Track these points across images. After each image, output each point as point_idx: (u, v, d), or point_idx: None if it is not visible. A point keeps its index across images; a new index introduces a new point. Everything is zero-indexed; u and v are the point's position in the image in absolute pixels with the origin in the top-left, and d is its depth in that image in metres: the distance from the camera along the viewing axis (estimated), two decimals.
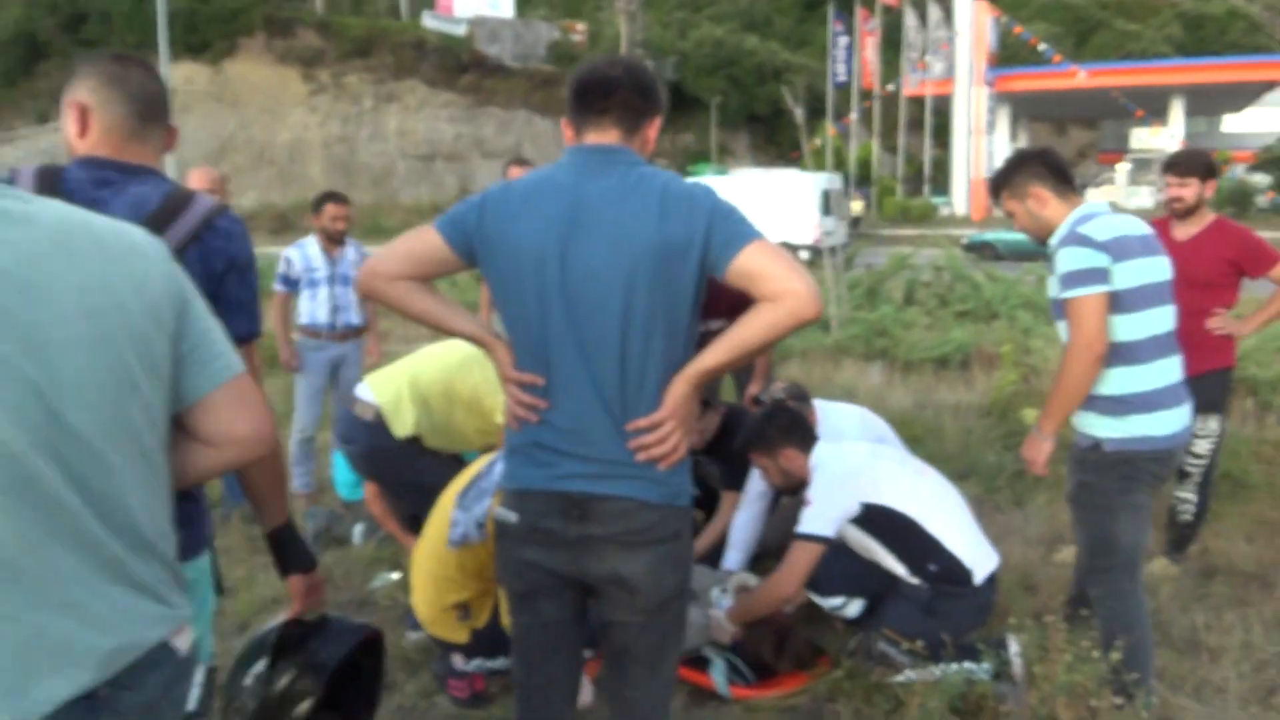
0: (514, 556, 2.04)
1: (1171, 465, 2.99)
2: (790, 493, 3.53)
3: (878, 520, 3.28)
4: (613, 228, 1.89)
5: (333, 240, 5.36)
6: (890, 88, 35.96)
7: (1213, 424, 4.15)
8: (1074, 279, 2.77)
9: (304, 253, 5.39)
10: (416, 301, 1.99)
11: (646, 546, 1.95)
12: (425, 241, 1.99)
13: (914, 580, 3.31)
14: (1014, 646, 3.25)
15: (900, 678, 3.19)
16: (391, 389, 3.71)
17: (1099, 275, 2.76)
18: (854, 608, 3.48)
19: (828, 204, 20.66)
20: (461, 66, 50.53)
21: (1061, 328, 2.94)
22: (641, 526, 1.94)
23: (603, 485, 1.92)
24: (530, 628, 2.10)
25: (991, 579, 3.31)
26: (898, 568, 3.34)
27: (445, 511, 3.10)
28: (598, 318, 1.89)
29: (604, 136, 2.02)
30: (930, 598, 3.28)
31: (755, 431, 3.49)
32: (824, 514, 3.22)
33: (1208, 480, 4.22)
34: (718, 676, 3.25)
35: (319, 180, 49.92)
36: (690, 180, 2.02)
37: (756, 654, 3.33)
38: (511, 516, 2.01)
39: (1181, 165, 4.11)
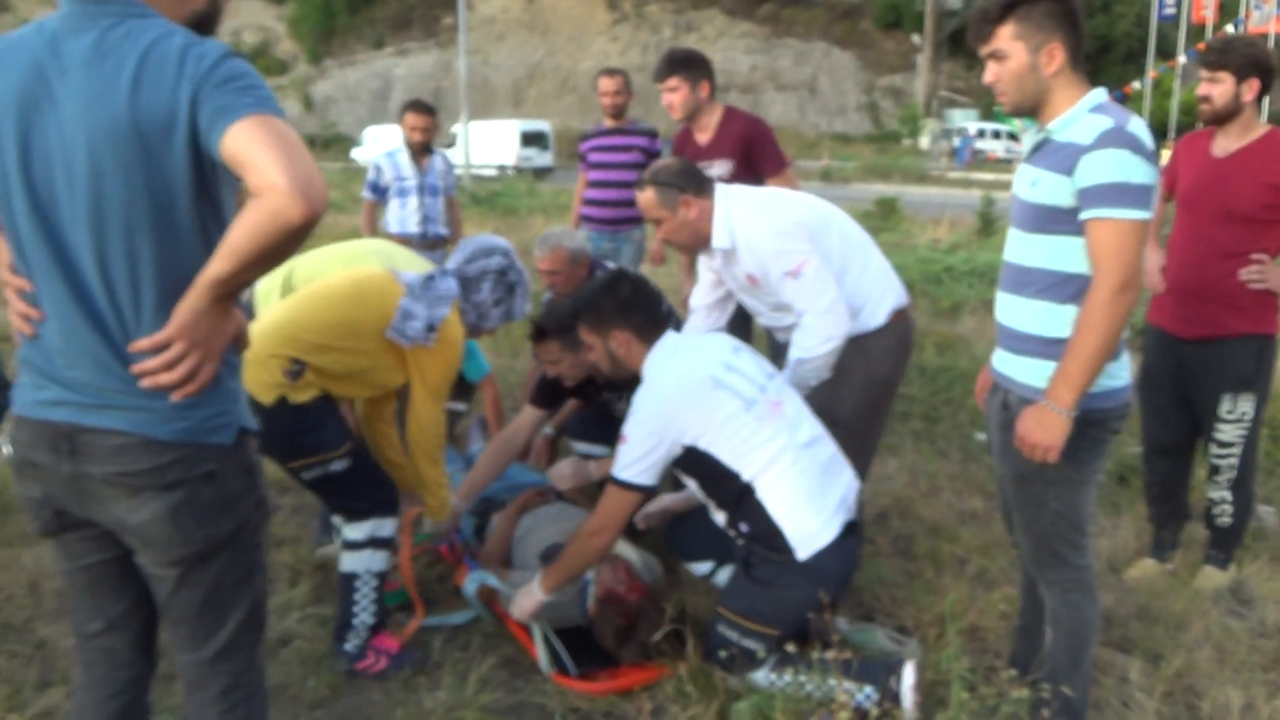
0: (22, 494, 1.71)
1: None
2: (616, 388, 2.90)
3: (698, 462, 2.63)
4: (77, 102, 1.49)
5: (416, 150, 5.33)
6: (1229, 29, 30.84)
7: (1244, 405, 3.14)
8: (1123, 194, 2.06)
9: (394, 161, 5.39)
10: None
11: (158, 491, 1.59)
12: None
13: (730, 533, 2.68)
14: (909, 676, 2.50)
15: (753, 676, 2.56)
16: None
17: (1149, 196, 2.09)
18: (727, 575, 2.85)
19: (533, 140, 32.29)
20: None
21: (1023, 239, 2.29)
22: (147, 468, 1.58)
23: (92, 416, 1.58)
24: (72, 572, 1.77)
25: (830, 552, 2.54)
26: (717, 515, 2.70)
27: (378, 276, 2.79)
28: (64, 218, 1.53)
29: None
30: (746, 557, 2.63)
31: (587, 300, 2.84)
32: (642, 457, 2.58)
33: (1245, 474, 3.25)
34: (541, 652, 2.74)
35: None
36: (211, 40, 1.54)
37: (603, 637, 2.77)
38: (6, 448, 1.68)
39: (1213, 57, 3.04)
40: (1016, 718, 2.32)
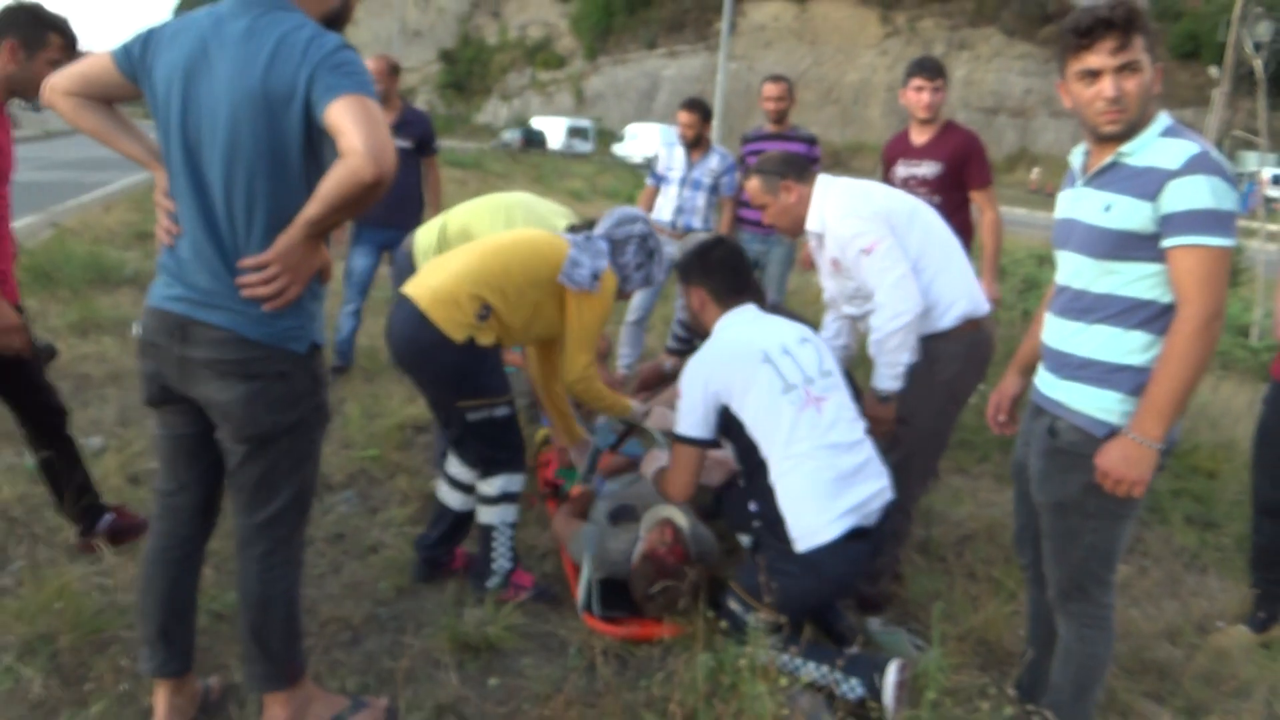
0: (140, 368, 2.19)
1: None
2: (699, 335, 3.23)
3: (729, 426, 2.85)
4: (227, 71, 1.94)
5: (687, 144, 5.52)
6: None
7: None
8: (1215, 222, 2.03)
9: (669, 151, 5.67)
10: (84, 117, 2.13)
11: (241, 379, 2.04)
12: (98, 63, 2.11)
13: (746, 508, 2.85)
14: (892, 674, 2.57)
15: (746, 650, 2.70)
16: None
17: (1235, 224, 2.06)
18: None
19: (576, 133, 42.26)
20: (1045, 17, 47.02)
21: (1090, 265, 2.22)
22: (237, 358, 2.03)
23: (202, 312, 2.03)
24: (162, 438, 2.25)
25: (829, 550, 2.63)
26: (740, 483, 2.90)
27: (548, 235, 3.26)
28: (205, 158, 1.99)
29: None
30: (756, 540, 2.79)
31: (688, 255, 3.18)
32: (691, 410, 2.86)
33: None
34: (581, 592, 3.04)
35: (878, 123, 50.32)
36: (332, 33, 1.98)
37: (635, 590, 3.01)
38: (137, 329, 2.20)
39: None
40: None
